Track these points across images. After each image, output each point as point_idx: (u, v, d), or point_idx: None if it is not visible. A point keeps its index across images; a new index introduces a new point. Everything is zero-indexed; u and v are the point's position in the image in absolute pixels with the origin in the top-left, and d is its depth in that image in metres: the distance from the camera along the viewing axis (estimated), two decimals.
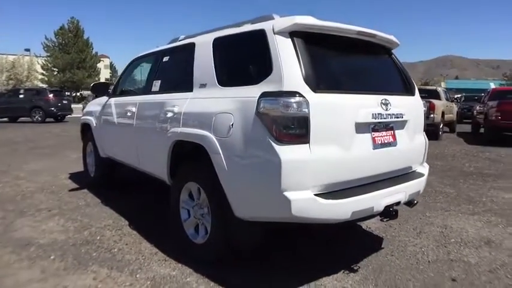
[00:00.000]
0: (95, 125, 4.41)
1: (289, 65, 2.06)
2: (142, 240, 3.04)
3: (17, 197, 4.31)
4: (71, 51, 44.40)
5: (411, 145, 2.67)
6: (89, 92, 39.26)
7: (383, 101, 2.39)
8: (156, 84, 3.30)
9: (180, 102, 2.76)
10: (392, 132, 2.50)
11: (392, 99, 2.47)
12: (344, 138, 2.17)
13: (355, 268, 2.62)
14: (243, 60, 2.50)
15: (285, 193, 1.95)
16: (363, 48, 2.59)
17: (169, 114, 2.83)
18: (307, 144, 2.00)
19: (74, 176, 5.41)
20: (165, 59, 3.32)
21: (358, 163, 2.25)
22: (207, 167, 2.47)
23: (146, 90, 3.46)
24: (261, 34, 2.26)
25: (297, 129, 1.98)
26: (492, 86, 27.23)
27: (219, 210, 2.39)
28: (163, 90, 3.20)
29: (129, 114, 3.55)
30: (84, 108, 5.78)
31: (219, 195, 2.37)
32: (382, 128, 2.41)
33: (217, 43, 2.66)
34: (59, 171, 5.72)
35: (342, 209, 2.08)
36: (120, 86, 4.20)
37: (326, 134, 2.08)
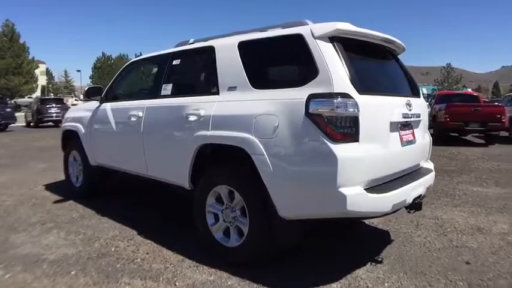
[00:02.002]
0: (83, 131, 4.15)
1: (336, 68, 2.17)
2: (161, 249, 2.94)
3: None
4: (6, 56, 40.66)
5: (423, 142, 2.93)
6: (27, 100, 36.10)
7: (407, 102, 2.60)
8: (167, 88, 3.22)
9: (205, 105, 2.74)
10: (412, 130, 2.72)
11: (411, 100, 2.70)
12: (382, 137, 2.33)
13: (379, 259, 2.79)
14: (280, 63, 2.57)
15: (340, 189, 2.05)
16: (382, 53, 2.80)
17: (193, 118, 2.79)
18: (357, 143, 2.13)
19: (51, 187, 5.01)
20: (176, 62, 3.25)
21: (392, 159, 2.43)
22: (243, 169, 2.49)
23: (154, 94, 3.35)
24: (300, 38, 2.35)
25: (349, 129, 2.10)
26: (425, 91, 29.82)
27: (259, 211, 2.41)
28: (177, 93, 3.13)
29: (133, 119, 3.41)
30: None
31: (259, 196, 2.40)
32: (406, 127, 2.63)
33: (245, 47, 2.69)
34: (30, 183, 5.25)
35: (386, 202, 2.23)
36: (114, 90, 4.00)
37: (370, 132, 2.22)
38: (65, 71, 75.76)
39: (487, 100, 23.74)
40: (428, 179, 2.83)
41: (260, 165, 2.31)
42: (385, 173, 2.38)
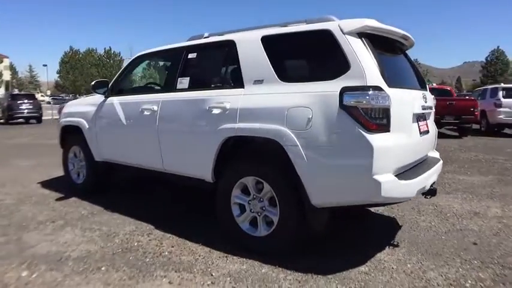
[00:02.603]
0: (87, 127, 4.04)
1: (367, 63, 2.28)
2: (185, 241, 2.96)
3: (1, 211, 3.74)
4: None
5: (432, 133, 3.12)
6: None
7: (423, 95, 2.77)
8: (183, 81, 3.22)
9: (230, 98, 2.77)
10: (426, 122, 2.90)
11: (425, 93, 2.87)
12: (407, 127, 2.48)
13: (396, 243, 2.96)
14: (308, 57, 2.65)
15: (375, 176, 2.17)
16: (396, 48, 2.95)
17: (217, 111, 2.81)
18: (389, 133, 2.26)
19: (47, 185, 4.84)
20: (192, 55, 3.25)
21: (413, 148, 2.59)
22: (273, 160, 2.56)
23: (168, 87, 3.34)
24: (328, 34, 2.44)
25: (382, 120, 2.22)
26: None
27: (290, 201, 2.50)
28: (196, 87, 3.13)
29: (147, 113, 3.37)
30: None
31: (289, 185, 2.49)
32: (422, 118, 2.79)
33: (270, 41, 2.74)
34: (23, 181, 5.05)
35: (412, 188, 2.38)
36: (121, 84, 3.93)
37: (398, 123, 2.35)
38: (30, 66, 71.95)
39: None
40: (439, 167, 3.03)
41: (294, 156, 2.39)
42: (409, 161, 2.54)
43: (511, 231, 3.23)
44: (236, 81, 2.85)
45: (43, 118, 17.54)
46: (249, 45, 2.84)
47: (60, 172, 5.34)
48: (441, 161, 3.21)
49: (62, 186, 4.64)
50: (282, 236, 2.59)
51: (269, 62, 2.68)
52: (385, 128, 2.24)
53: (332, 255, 2.70)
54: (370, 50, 2.35)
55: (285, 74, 2.62)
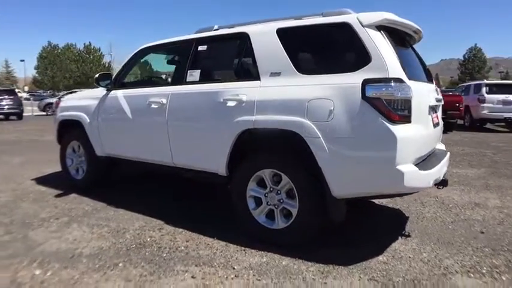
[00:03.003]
0: (88, 121, 3.93)
1: (388, 55, 2.31)
2: (199, 236, 2.92)
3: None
4: None
5: (441, 125, 3.18)
6: None
7: (435, 88, 2.82)
8: (194, 74, 3.16)
9: (246, 90, 2.74)
10: (437, 114, 2.96)
11: (435, 86, 2.93)
12: (424, 119, 2.53)
13: (407, 234, 3.02)
14: (327, 50, 2.65)
15: (398, 167, 2.21)
16: (407, 42, 2.99)
17: (232, 103, 2.78)
18: (410, 124, 2.29)
19: (42, 181, 4.68)
20: (202, 48, 3.19)
21: (429, 140, 2.64)
22: (293, 152, 2.56)
23: (177, 80, 3.28)
24: (347, 26, 2.44)
25: (404, 111, 2.25)
26: None
27: (310, 192, 2.51)
28: (207, 79, 3.09)
29: (154, 106, 3.30)
30: None
31: (309, 177, 2.49)
32: (434, 110, 2.85)
33: (285, 33, 2.72)
34: (16, 178, 4.87)
35: (429, 178, 2.43)
36: (124, 77, 3.83)
37: (417, 114, 2.39)
38: (6, 61, 69.10)
39: None
40: (448, 159, 3.10)
41: (315, 148, 2.39)
42: (425, 152, 2.59)
43: None
44: (251, 73, 2.82)
45: (24, 114, 16.99)
46: (264, 38, 2.82)
47: (52, 169, 5.21)
48: (449, 153, 3.28)
49: (58, 182, 4.50)
50: (301, 227, 2.59)
51: (286, 55, 2.66)
52: (407, 119, 2.27)
53: (348, 246, 2.72)
54: (389, 43, 2.37)
55: (303, 67, 2.61)
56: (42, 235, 2.95)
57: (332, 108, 2.35)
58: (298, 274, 2.32)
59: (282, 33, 2.75)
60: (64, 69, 55.28)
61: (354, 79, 2.33)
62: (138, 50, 3.82)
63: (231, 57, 3.09)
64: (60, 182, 4.46)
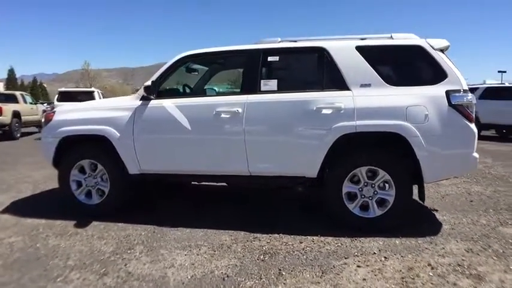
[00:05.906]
0: (118, 135, 3.41)
1: (457, 72, 3.12)
2: (305, 238, 3.04)
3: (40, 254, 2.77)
4: None
5: None
6: None
7: None
8: (269, 84, 3.30)
9: (341, 99, 3.10)
10: None
11: None
12: None
13: (435, 209, 3.88)
14: (406, 66, 3.27)
15: (474, 154, 3.05)
16: None
17: (328, 111, 3.09)
18: (474, 122, 3.15)
19: (44, 211, 3.66)
20: (273, 58, 3.34)
21: None
22: (392, 150, 3.11)
23: (250, 89, 3.32)
24: (420, 49, 3.15)
25: (473, 113, 3.09)
26: None
27: (406, 182, 3.09)
28: (286, 89, 3.29)
29: (226, 116, 3.25)
30: None
31: (406, 170, 3.08)
32: None
33: (364, 51, 3.21)
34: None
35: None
36: (165, 86, 3.52)
37: None
38: None
39: None
40: None
41: (415, 145, 2.99)
42: None
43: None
44: (338, 84, 3.19)
45: None
46: (346, 53, 3.24)
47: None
48: None
49: (54, 210, 3.69)
50: (395, 213, 3.13)
51: (371, 69, 3.17)
52: (473, 119, 3.13)
53: (419, 225, 3.36)
54: (451, 62, 3.21)
55: (389, 79, 3.17)
56: (139, 266, 2.56)
57: (426, 113, 3.00)
58: (416, 248, 2.85)
59: (360, 50, 3.24)
60: None
61: (437, 90, 3.05)
62: (178, 58, 3.56)
63: (310, 69, 3.37)
64: (59, 210, 3.64)
